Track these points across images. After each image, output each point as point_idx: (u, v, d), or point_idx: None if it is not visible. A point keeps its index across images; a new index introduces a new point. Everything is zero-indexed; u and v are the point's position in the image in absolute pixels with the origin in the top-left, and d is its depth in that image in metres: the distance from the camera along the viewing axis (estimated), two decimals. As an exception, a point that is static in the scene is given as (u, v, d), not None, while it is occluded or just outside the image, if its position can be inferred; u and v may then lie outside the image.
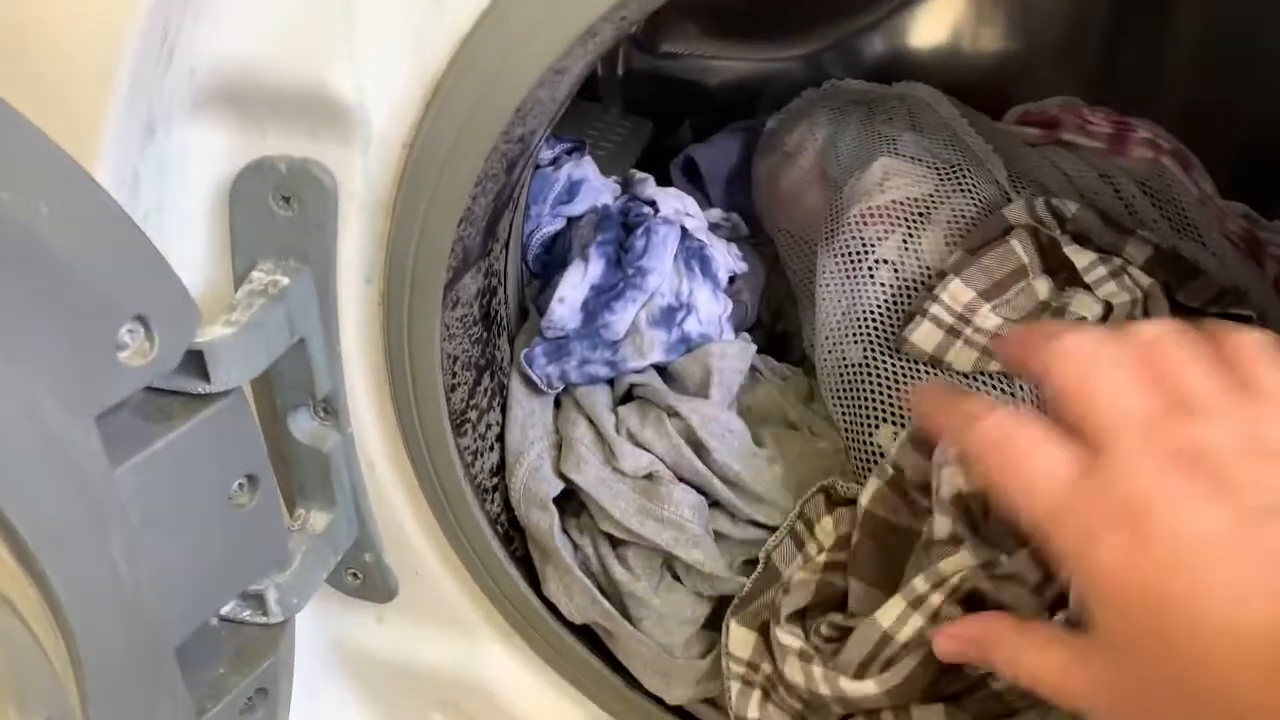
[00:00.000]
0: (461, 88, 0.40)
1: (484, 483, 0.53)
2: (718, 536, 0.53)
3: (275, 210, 0.44)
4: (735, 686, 0.51)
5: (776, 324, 0.73)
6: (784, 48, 0.99)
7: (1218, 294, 0.54)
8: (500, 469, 0.55)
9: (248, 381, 0.43)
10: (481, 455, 0.53)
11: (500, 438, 0.55)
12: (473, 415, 0.52)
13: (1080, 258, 0.55)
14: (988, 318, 0.54)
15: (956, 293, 0.54)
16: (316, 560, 0.51)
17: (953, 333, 0.54)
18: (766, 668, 0.50)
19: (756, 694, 0.50)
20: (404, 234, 0.43)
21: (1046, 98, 0.79)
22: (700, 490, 0.53)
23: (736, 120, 0.91)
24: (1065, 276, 0.56)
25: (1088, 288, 0.54)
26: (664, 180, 0.71)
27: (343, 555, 0.54)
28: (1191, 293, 0.54)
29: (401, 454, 0.51)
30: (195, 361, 0.41)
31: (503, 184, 0.46)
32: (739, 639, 0.51)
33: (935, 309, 0.54)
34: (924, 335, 0.54)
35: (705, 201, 0.84)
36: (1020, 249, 0.55)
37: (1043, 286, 0.56)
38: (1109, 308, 0.54)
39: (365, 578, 0.56)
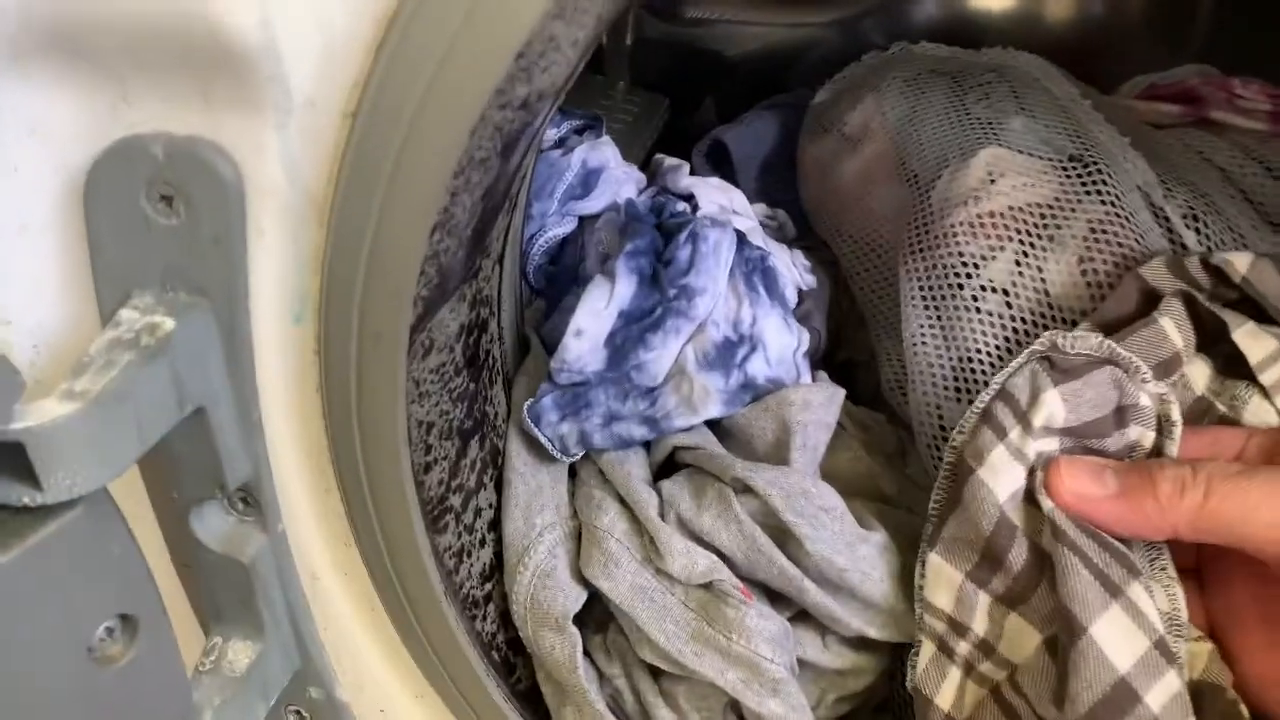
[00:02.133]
0: (432, 21, 0.24)
1: (472, 593, 0.38)
2: (801, 666, 0.38)
3: (151, 216, 0.29)
4: (928, 651, 0.37)
5: (837, 351, 0.58)
6: (819, 10, 0.84)
7: None
8: (495, 571, 0.40)
9: (109, 482, 0.28)
10: (469, 555, 0.38)
11: (494, 525, 0.40)
12: (455, 501, 0.37)
13: (1256, 348, 0.39)
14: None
15: None
16: (238, 711, 0.36)
17: None
18: (979, 631, 0.36)
19: (955, 670, 0.36)
20: (347, 251, 0.28)
21: (1138, 75, 0.64)
22: (780, 596, 0.38)
23: (759, 98, 0.75)
24: (1226, 353, 0.40)
25: (1264, 390, 0.39)
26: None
27: (279, 695, 0.39)
28: None
29: (354, 560, 0.36)
30: (16, 459, 0.26)
31: (497, 174, 0.31)
32: (938, 578, 0.37)
33: None
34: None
35: (737, 196, 0.69)
36: (1174, 329, 0.40)
37: (1200, 375, 0.40)
38: None
39: (312, 718, 0.41)
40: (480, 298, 0.37)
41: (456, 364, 0.36)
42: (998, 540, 0.35)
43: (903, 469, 0.45)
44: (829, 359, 0.59)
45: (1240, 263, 0.41)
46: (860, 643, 0.39)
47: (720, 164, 0.72)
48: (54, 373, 0.33)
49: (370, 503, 0.34)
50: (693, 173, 0.57)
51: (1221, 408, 0.40)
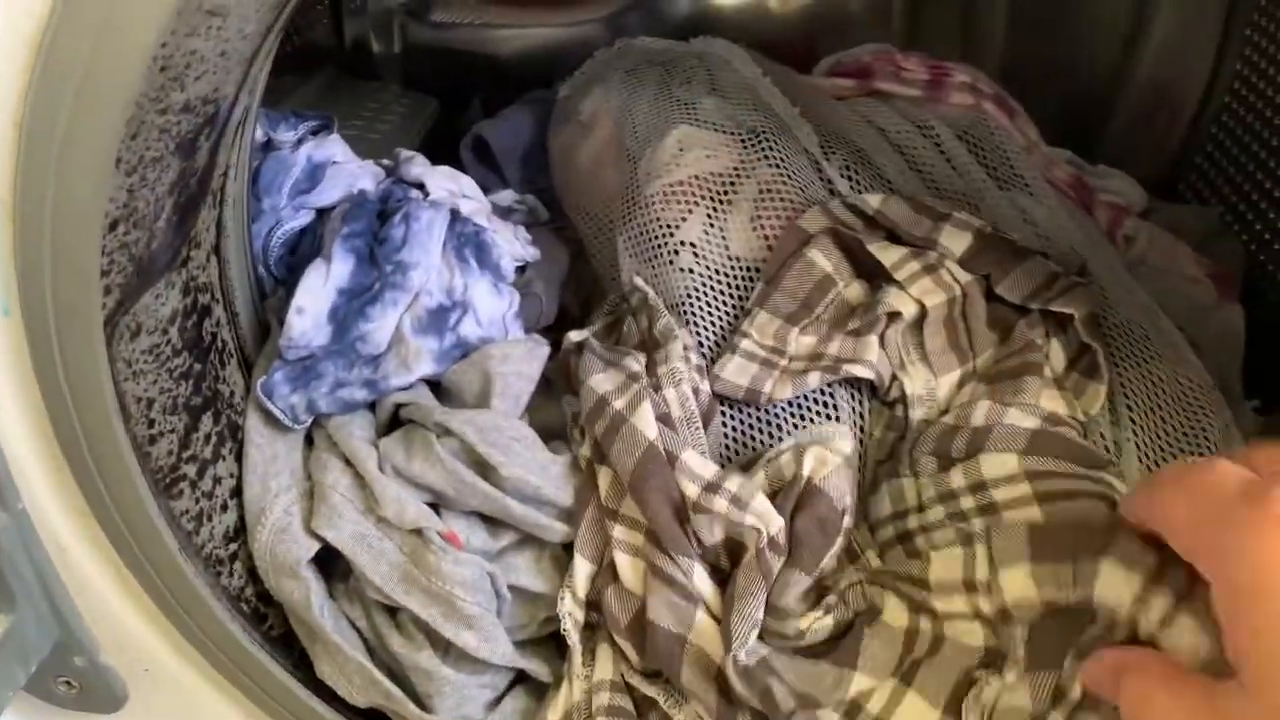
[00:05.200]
0: (74, 37, 0.29)
1: (216, 553, 0.42)
2: (515, 592, 0.44)
3: None
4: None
5: (585, 321, 0.64)
6: (582, 9, 0.90)
7: (1046, 280, 0.48)
8: (240, 533, 0.44)
9: None
10: (210, 519, 0.42)
11: (237, 493, 0.44)
12: (189, 470, 0.41)
13: (887, 254, 0.49)
14: (799, 342, 0.48)
15: (763, 325, 0.49)
16: (-7, 680, 0.39)
17: (768, 365, 0.47)
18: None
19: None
20: (33, 245, 0.32)
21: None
22: (496, 523, 0.44)
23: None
24: (882, 275, 0.49)
25: (901, 286, 0.48)
26: (457, 167, 0.61)
27: (38, 665, 0.42)
28: (1015, 282, 0.48)
29: (95, 529, 0.39)
30: None
31: (180, 172, 0.35)
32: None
33: (745, 344, 0.48)
34: (736, 370, 0.47)
35: (502, 185, 0.74)
36: (821, 258, 0.50)
37: (856, 292, 0.50)
38: (924, 308, 0.47)
39: (82, 685, 0.45)
40: (196, 285, 0.41)
41: (174, 345, 0.40)
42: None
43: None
44: (581, 327, 0.65)
45: (873, 200, 0.50)
46: (566, 564, 0.44)
47: (484, 157, 0.77)
48: None
49: (97, 474, 0.37)
50: (461, 168, 0.62)
51: (864, 303, 0.49)
